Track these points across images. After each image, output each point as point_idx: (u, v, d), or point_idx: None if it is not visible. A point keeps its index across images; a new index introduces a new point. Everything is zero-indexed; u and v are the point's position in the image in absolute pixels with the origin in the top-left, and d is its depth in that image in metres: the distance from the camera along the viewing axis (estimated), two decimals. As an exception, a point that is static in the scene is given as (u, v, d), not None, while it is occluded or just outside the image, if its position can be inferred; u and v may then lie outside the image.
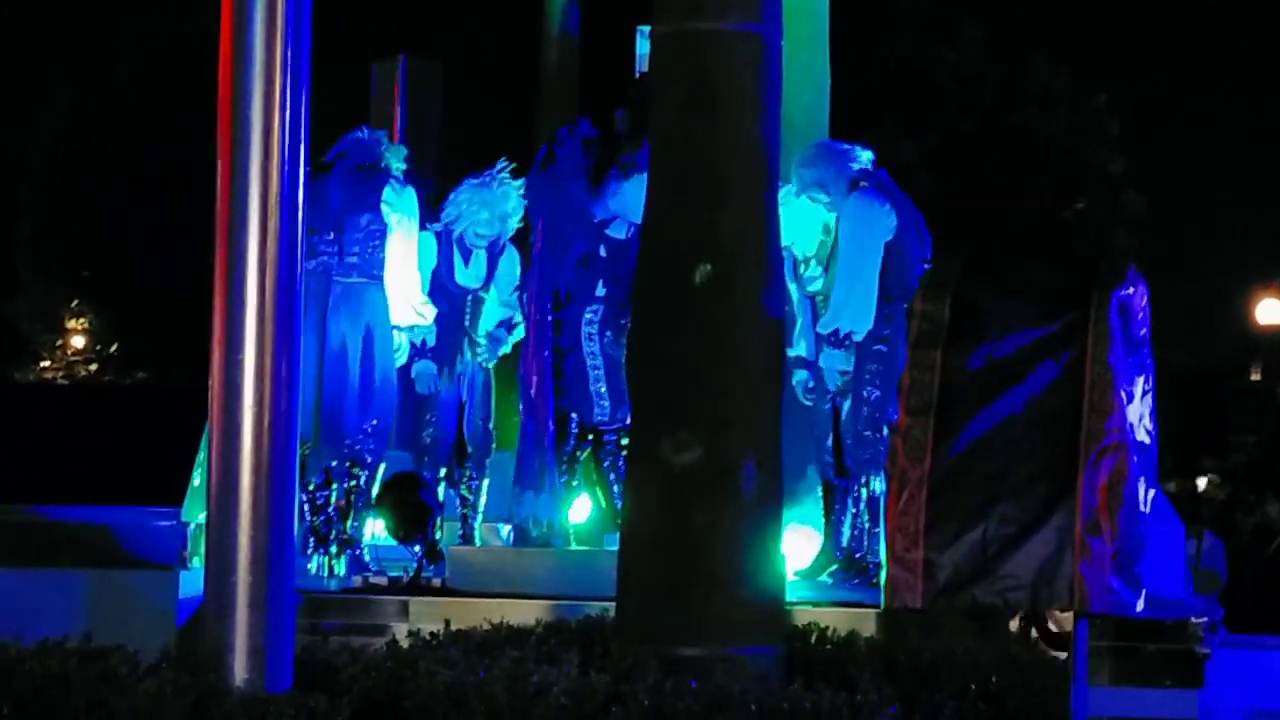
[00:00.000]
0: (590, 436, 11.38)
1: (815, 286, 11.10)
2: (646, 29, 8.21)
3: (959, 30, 33.92)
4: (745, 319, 7.47)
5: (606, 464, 11.37)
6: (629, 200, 10.87)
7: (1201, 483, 29.11)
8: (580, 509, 11.56)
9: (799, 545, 11.03)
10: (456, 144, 18.81)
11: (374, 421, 11.01)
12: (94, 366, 36.97)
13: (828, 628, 8.14)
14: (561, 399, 11.32)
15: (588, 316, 11.24)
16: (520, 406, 11.38)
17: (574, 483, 11.40)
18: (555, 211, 11.41)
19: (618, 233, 11.28)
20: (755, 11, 7.55)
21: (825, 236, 11.05)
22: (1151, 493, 9.84)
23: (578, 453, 11.39)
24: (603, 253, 11.27)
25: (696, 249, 7.45)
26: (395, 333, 11.11)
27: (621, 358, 11.08)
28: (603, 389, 11.26)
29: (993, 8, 34.34)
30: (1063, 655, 8.70)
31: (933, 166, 31.77)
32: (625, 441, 10.80)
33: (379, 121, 17.56)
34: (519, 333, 11.77)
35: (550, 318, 11.32)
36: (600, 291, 11.28)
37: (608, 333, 11.26)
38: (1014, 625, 9.44)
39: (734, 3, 7.51)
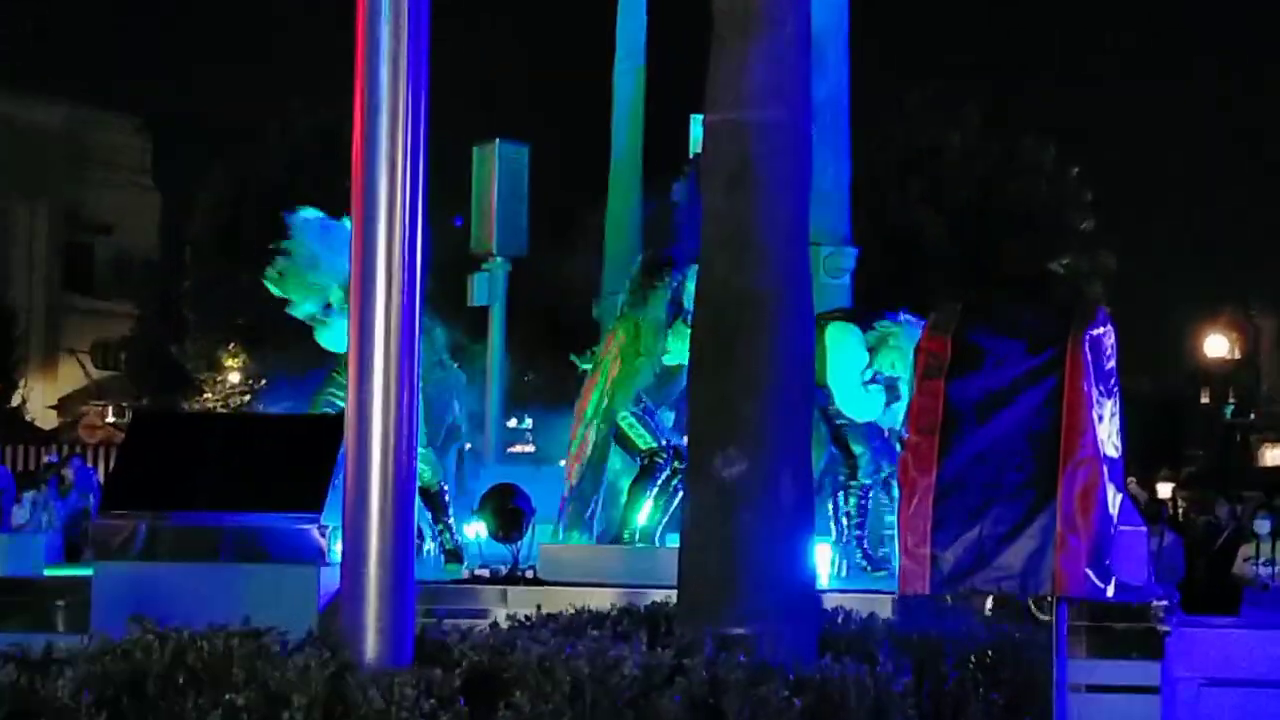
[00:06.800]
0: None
1: None
2: (700, 117, 8.22)
3: (960, 114, 33.93)
4: (782, 358, 7.48)
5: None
6: None
7: (1163, 489, 28.85)
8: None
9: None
10: (541, 215, 18.89)
11: None
12: (247, 397, 37.15)
13: (852, 610, 8.12)
14: None
15: None
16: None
17: None
18: None
19: None
20: (788, 104, 7.57)
21: None
22: (1119, 497, 9.81)
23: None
24: None
25: (741, 302, 7.48)
26: None
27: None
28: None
29: (990, 95, 34.43)
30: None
31: (941, 226, 31.82)
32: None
33: (479, 195, 17.66)
34: None
35: None
36: None
37: None
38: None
39: (771, 97, 7.53)
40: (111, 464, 19.26)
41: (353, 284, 6.63)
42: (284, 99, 36.74)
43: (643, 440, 11.42)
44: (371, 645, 6.44)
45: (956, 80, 34.96)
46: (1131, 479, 16.96)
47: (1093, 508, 9.40)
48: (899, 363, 11.19)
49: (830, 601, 8.58)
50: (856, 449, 11.49)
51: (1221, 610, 14.23)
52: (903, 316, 11.77)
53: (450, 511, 11.87)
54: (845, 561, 11.36)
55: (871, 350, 11.45)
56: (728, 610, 7.27)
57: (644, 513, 11.48)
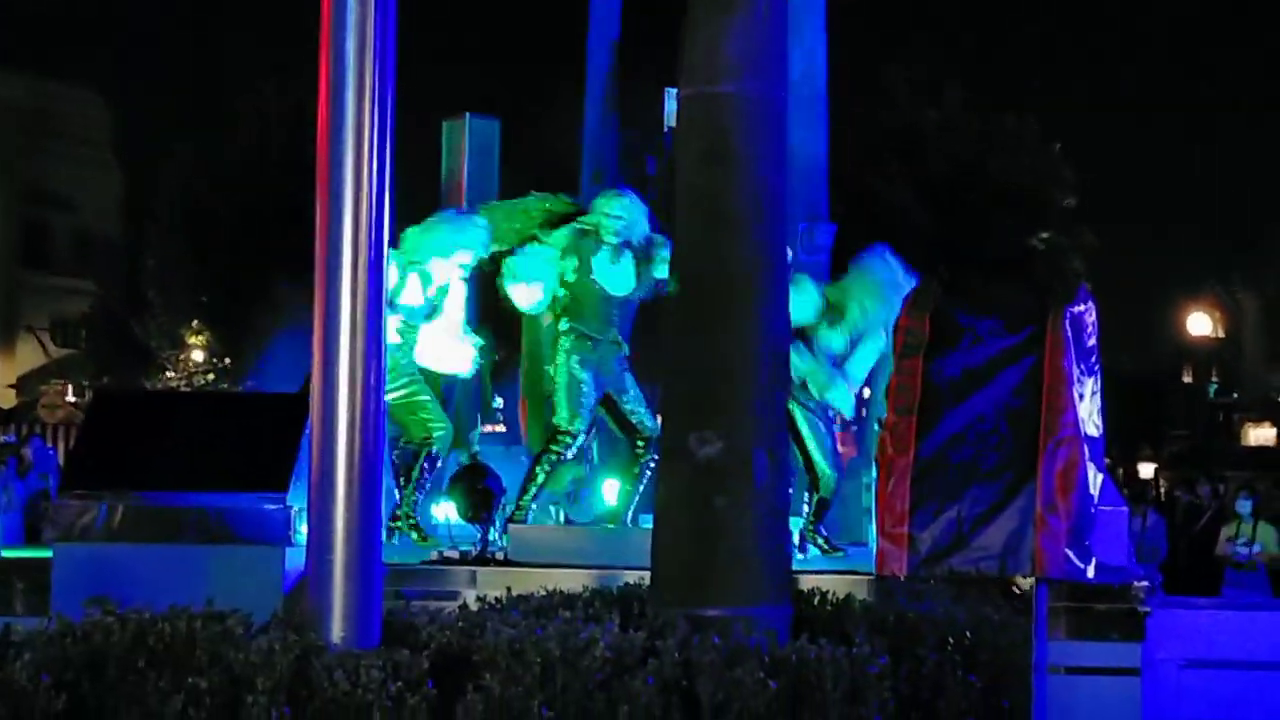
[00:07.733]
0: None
1: None
2: (674, 90, 8.22)
3: (941, 92, 33.97)
4: (756, 335, 7.48)
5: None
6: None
7: (1146, 469, 28.95)
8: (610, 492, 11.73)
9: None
10: (513, 191, 18.84)
11: None
12: (211, 376, 37.11)
13: (828, 591, 8.13)
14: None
15: None
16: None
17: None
18: None
19: None
20: (764, 77, 7.57)
21: None
22: (1100, 477, 9.86)
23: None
24: None
25: (717, 279, 7.49)
26: None
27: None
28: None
29: (970, 72, 34.57)
30: None
31: (921, 204, 31.88)
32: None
33: (449, 171, 17.64)
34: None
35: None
36: None
37: None
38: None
39: (746, 70, 7.52)
40: (72, 443, 19.22)
41: (317, 261, 6.64)
42: (251, 78, 36.70)
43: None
44: (338, 627, 6.44)
45: (937, 56, 34.99)
46: (1107, 459, 17.03)
47: (1073, 488, 9.45)
48: (869, 304, 11.26)
49: (806, 582, 8.60)
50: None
51: (1203, 591, 14.32)
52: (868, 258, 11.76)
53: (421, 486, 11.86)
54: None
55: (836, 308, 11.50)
56: (702, 591, 7.27)
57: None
